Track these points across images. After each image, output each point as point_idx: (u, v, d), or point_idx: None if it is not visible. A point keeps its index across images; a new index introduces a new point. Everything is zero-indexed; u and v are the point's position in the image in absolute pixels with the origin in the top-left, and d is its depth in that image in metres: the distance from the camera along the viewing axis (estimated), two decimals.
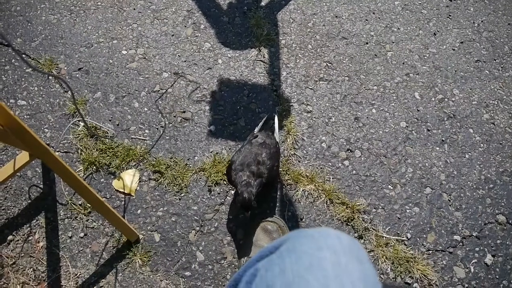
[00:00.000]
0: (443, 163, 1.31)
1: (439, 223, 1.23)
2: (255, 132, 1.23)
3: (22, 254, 1.16)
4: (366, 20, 1.57)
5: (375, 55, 1.49)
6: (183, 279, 1.13)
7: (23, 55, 1.42)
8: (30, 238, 1.18)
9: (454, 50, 1.53)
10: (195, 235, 1.18)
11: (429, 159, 1.32)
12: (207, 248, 1.17)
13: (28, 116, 1.33)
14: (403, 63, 1.48)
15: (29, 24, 1.49)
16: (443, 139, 1.35)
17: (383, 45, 1.52)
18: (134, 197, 1.23)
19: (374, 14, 1.58)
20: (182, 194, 1.23)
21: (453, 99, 1.42)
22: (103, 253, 1.16)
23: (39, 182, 1.24)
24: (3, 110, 0.75)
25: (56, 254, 1.16)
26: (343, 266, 0.42)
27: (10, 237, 1.17)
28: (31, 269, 1.14)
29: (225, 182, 1.24)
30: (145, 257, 1.15)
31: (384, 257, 1.16)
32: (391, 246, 1.19)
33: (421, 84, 1.45)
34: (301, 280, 0.41)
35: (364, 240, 1.19)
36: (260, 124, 1.27)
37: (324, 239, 0.45)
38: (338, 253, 0.43)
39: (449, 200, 1.26)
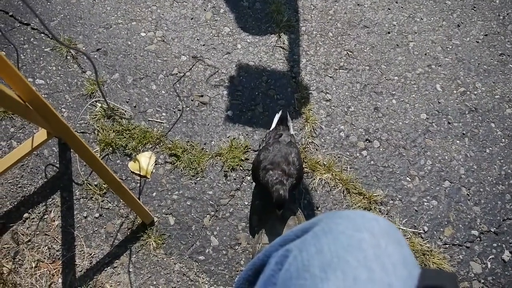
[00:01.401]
0: (463, 157, 1.29)
1: (457, 217, 1.21)
2: (270, 130, 1.20)
3: (38, 232, 1.16)
4: (389, 9, 1.54)
5: (397, 45, 1.46)
6: (197, 263, 1.13)
7: (42, 35, 1.42)
8: (45, 217, 1.18)
9: (477, 42, 1.49)
10: (210, 220, 1.18)
11: (449, 152, 1.29)
12: (222, 233, 1.16)
13: (45, 95, 1.33)
14: (425, 54, 1.45)
15: (48, 3, 1.48)
16: (464, 132, 1.32)
17: (405, 35, 1.49)
18: (149, 180, 1.22)
19: (397, 3, 1.55)
20: (198, 178, 1.23)
21: (475, 92, 1.39)
22: (118, 234, 1.16)
23: (55, 161, 1.24)
24: (26, 86, 0.75)
25: (71, 233, 1.16)
26: (383, 248, 0.41)
27: (26, 215, 1.18)
28: (46, 247, 1.15)
29: (241, 168, 1.23)
30: (159, 240, 1.15)
31: None
32: (407, 238, 1.17)
33: (443, 76, 1.42)
34: (340, 260, 0.40)
35: None
36: (275, 121, 1.24)
37: (361, 220, 0.44)
38: (377, 235, 0.42)
39: (468, 195, 1.23)
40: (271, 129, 1.21)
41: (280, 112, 1.24)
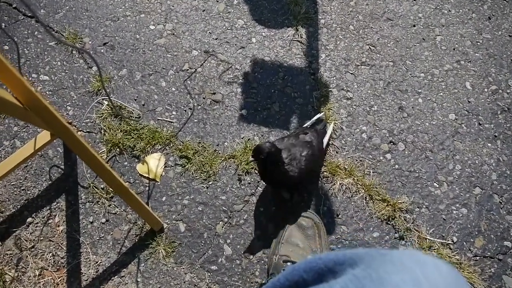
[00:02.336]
0: (495, 161, 1.19)
1: (489, 227, 1.12)
2: (305, 126, 1.13)
3: (42, 238, 1.10)
4: (414, 0, 1.43)
5: (423, 39, 1.36)
6: (209, 273, 1.06)
7: (47, 27, 1.34)
8: (50, 221, 1.12)
9: (510, 36, 1.38)
10: (222, 227, 1.11)
11: (480, 156, 1.20)
12: (235, 241, 1.09)
13: (50, 92, 1.26)
14: (454, 49, 1.35)
15: None
16: (496, 134, 1.23)
17: (432, 28, 1.38)
18: (159, 183, 1.15)
19: None
20: (210, 182, 1.15)
21: (508, 91, 1.29)
22: (125, 241, 1.10)
23: (60, 162, 1.18)
24: (24, 87, 0.67)
25: (76, 240, 1.10)
26: None
27: (29, 219, 1.12)
28: (50, 254, 1.09)
29: (256, 172, 1.16)
30: (169, 248, 1.08)
31: None
32: (435, 249, 1.09)
33: (472, 73, 1.32)
34: None
35: (406, 242, 1.09)
36: (313, 120, 1.16)
37: (419, 267, 0.36)
38: None
39: (501, 203, 1.14)
40: (304, 125, 1.14)
41: (321, 114, 1.17)
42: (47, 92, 1.26)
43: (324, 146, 1.12)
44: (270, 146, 0.96)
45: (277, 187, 1.13)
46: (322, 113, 1.18)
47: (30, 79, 1.27)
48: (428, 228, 1.11)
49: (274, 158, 0.97)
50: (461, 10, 1.42)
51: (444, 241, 1.10)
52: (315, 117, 1.17)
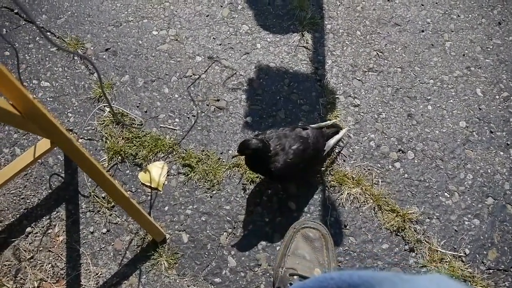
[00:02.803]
0: (508, 170, 1.16)
1: (502, 238, 1.08)
2: (312, 126, 1.10)
3: (41, 248, 1.07)
4: (422, 5, 1.40)
5: (432, 44, 1.33)
6: (212, 286, 1.03)
7: (48, 33, 1.32)
8: (49, 231, 1.09)
9: None
10: (227, 238, 1.07)
11: (492, 165, 1.16)
12: (240, 253, 1.06)
13: (51, 99, 1.23)
14: (463, 55, 1.32)
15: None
16: (508, 142, 1.19)
17: (441, 33, 1.35)
18: (161, 192, 1.12)
19: None
20: (214, 192, 1.12)
21: None
22: (127, 252, 1.07)
23: (60, 170, 1.15)
24: (22, 96, 0.65)
25: (76, 250, 1.07)
26: None
27: (28, 229, 1.09)
28: (50, 265, 1.06)
29: (261, 179, 1.12)
30: (171, 259, 1.05)
31: (439, 274, 1.03)
32: (446, 262, 1.05)
33: (483, 80, 1.28)
34: None
35: (416, 254, 1.06)
36: (326, 123, 1.13)
37: None
38: None
39: None
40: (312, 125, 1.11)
41: (333, 121, 1.15)
42: (48, 99, 1.23)
43: (326, 148, 1.08)
44: (258, 143, 0.94)
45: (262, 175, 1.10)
46: (334, 121, 1.16)
47: (31, 85, 1.25)
48: (439, 239, 1.07)
49: (261, 153, 0.96)
50: (470, 15, 1.39)
51: (456, 253, 1.06)
52: (329, 122, 1.14)
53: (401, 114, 1.22)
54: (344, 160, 1.16)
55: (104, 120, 1.20)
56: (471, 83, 1.27)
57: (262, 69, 1.28)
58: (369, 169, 1.15)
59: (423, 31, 1.36)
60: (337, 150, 1.16)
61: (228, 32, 1.34)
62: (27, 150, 1.04)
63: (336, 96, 1.24)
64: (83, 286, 1.04)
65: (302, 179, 1.13)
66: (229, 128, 1.20)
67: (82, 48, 1.31)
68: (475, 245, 1.07)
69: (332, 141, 1.10)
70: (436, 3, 1.41)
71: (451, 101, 1.25)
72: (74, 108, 1.23)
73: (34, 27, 1.33)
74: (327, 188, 1.12)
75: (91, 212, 1.11)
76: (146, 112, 1.22)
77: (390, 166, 1.15)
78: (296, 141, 1.01)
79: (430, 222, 1.09)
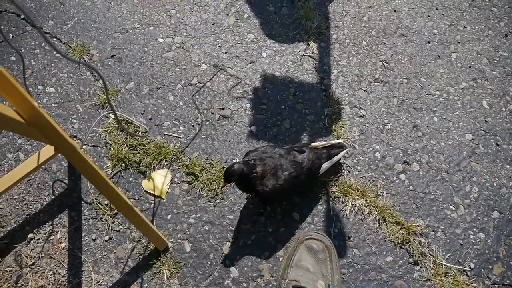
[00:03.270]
0: None
1: (508, 253, 1.07)
2: (312, 144, 1.09)
3: (43, 255, 1.07)
4: (429, 16, 1.40)
5: (438, 56, 1.33)
6: None
7: (54, 39, 1.32)
8: (51, 238, 1.08)
9: None
10: (229, 248, 1.06)
11: (498, 178, 1.15)
12: (243, 263, 1.05)
13: (56, 105, 1.23)
14: (470, 67, 1.31)
15: (62, 6, 1.39)
16: None
17: (447, 45, 1.35)
18: (164, 200, 1.12)
19: (437, 9, 1.41)
20: (217, 201, 1.11)
21: None
22: (129, 260, 1.06)
23: (64, 177, 1.15)
24: (26, 103, 0.64)
25: (78, 257, 1.06)
26: None
27: (30, 235, 1.09)
28: (51, 271, 1.05)
29: None
30: (173, 268, 1.04)
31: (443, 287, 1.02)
32: (451, 276, 1.04)
33: (490, 92, 1.28)
34: None
35: (421, 267, 1.04)
36: (330, 142, 1.11)
37: None
38: None
39: None
40: (318, 143, 1.10)
41: (341, 141, 1.14)
42: (52, 105, 1.23)
43: (322, 171, 1.06)
44: (241, 167, 0.94)
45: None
46: (342, 141, 1.14)
47: (36, 90, 1.25)
48: (444, 253, 1.06)
49: (247, 177, 0.95)
50: (477, 27, 1.39)
51: (460, 267, 1.05)
52: (338, 141, 1.13)
53: (406, 125, 1.22)
54: (348, 171, 1.15)
55: (108, 127, 1.20)
56: (478, 95, 1.27)
57: (268, 78, 1.28)
58: (373, 181, 1.14)
59: (429, 42, 1.35)
60: (341, 161, 1.15)
61: (234, 41, 1.34)
62: (31, 156, 1.04)
63: (342, 106, 1.23)
64: None
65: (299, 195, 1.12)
66: (234, 137, 1.19)
67: (88, 54, 1.31)
68: (480, 259, 1.06)
69: (327, 164, 1.07)
70: (443, 14, 1.41)
71: (457, 113, 1.24)
72: (79, 114, 1.22)
73: None
74: (331, 199, 1.11)
75: (94, 219, 1.10)
76: (150, 119, 1.22)
77: (395, 178, 1.14)
78: (290, 167, 0.99)
79: (435, 235, 1.08)
